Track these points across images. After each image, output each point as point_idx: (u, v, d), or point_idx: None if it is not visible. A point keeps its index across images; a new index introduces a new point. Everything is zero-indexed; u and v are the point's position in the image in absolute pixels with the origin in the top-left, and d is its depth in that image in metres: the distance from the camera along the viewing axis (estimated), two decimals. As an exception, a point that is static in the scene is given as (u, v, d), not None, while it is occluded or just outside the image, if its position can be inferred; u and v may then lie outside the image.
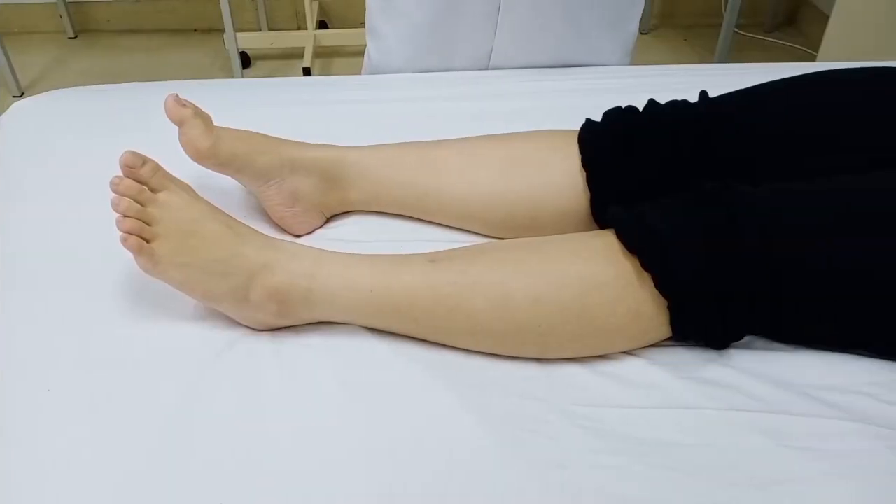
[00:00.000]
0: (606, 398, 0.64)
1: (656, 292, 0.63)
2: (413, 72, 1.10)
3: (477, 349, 0.68)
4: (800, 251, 0.62)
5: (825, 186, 0.66)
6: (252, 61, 2.50)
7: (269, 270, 0.66)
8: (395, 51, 1.10)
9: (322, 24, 2.65)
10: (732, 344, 0.67)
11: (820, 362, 0.66)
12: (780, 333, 0.67)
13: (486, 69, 1.09)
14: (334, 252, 0.70)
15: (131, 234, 0.64)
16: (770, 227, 0.62)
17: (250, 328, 0.70)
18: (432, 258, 0.68)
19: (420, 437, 0.61)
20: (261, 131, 0.80)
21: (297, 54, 2.45)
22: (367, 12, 1.11)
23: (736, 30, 2.33)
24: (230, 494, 0.56)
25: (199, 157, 0.76)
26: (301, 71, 2.30)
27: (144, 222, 0.65)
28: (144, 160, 0.67)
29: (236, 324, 0.70)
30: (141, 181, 0.66)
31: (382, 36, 1.11)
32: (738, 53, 2.45)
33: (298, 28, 2.70)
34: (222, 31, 2.22)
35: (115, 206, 0.64)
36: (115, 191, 0.65)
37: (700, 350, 0.68)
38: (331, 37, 2.52)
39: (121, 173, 0.66)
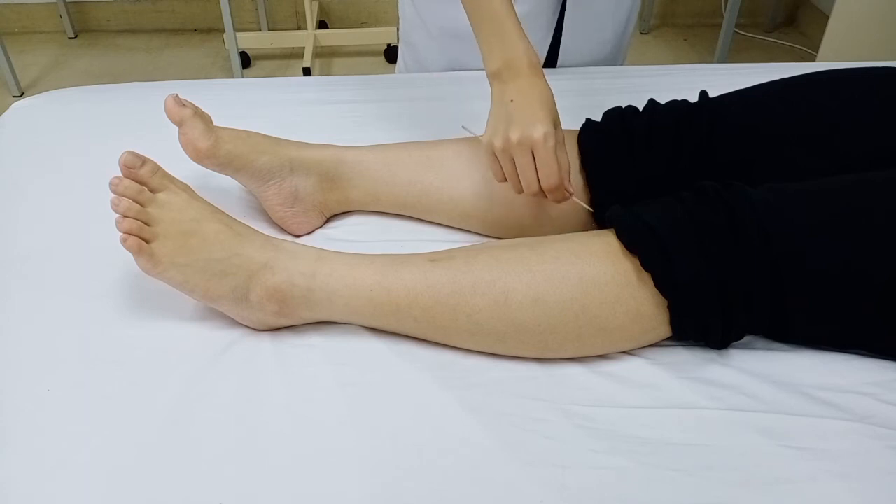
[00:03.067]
0: (606, 398, 0.64)
1: (656, 292, 0.63)
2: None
3: (477, 349, 0.68)
4: (800, 251, 0.62)
5: (825, 186, 0.66)
6: (252, 61, 2.50)
7: (270, 270, 0.66)
8: (428, 59, 1.11)
9: (322, 24, 2.65)
10: (732, 344, 0.67)
11: (820, 362, 0.66)
12: (780, 333, 0.67)
13: None
14: (334, 252, 0.70)
15: (131, 234, 0.64)
16: (770, 226, 0.62)
17: (250, 328, 0.70)
18: (432, 258, 0.68)
19: (420, 436, 0.61)
20: (261, 131, 0.81)
21: (297, 54, 2.45)
22: (400, 21, 1.12)
23: (736, 30, 2.33)
24: (230, 494, 0.56)
25: (199, 157, 0.76)
26: (301, 71, 2.30)
27: (144, 223, 0.65)
28: (144, 160, 0.67)
29: (236, 324, 0.70)
30: (140, 181, 0.66)
31: (414, 45, 1.11)
32: (738, 53, 2.45)
33: (298, 28, 2.70)
34: (222, 31, 2.22)
35: (114, 207, 0.64)
36: (114, 191, 0.65)
37: (700, 350, 0.68)
38: (331, 37, 2.52)
39: (120, 174, 0.66)
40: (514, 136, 0.69)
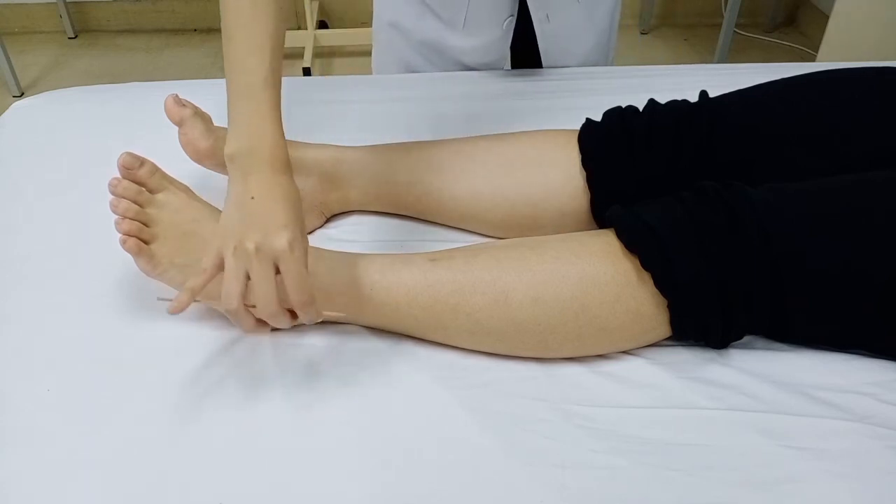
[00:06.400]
0: (606, 398, 0.64)
1: (656, 291, 0.63)
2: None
3: (477, 349, 0.68)
4: (800, 251, 0.62)
5: (825, 186, 0.66)
6: (252, 61, 2.50)
7: (269, 270, 0.66)
8: (380, 57, 1.11)
9: (322, 24, 2.65)
10: (732, 344, 0.67)
11: (820, 362, 0.66)
12: (780, 333, 0.67)
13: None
14: (334, 251, 0.70)
15: (130, 235, 0.64)
16: (770, 226, 0.62)
17: (250, 328, 0.70)
18: (432, 257, 0.68)
19: (420, 436, 0.61)
20: (260, 131, 0.80)
21: (297, 54, 2.45)
22: (374, 18, 1.12)
23: (736, 30, 2.33)
24: (230, 494, 0.56)
25: (199, 157, 0.76)
26: (301, 71, 2.30)
27: (143, 224, 0.65)
28: (142, 161, 0.67)
29: (236, 324, 0.70)
30: (139, 182, 0.66)
31: (378, 42, 1.11)
32: (738, 53, 2.45)
33: (298, 28, 2.70)
34: (222, 31, 2.22)
35: (113, 208, 0.64)
36: (113, 192, 0.65)
37: (700, 350, 0.68)
38: (331, 37, 2.52)
39: (119, 174, 0.66)
40: (251, 242, 0.56)
